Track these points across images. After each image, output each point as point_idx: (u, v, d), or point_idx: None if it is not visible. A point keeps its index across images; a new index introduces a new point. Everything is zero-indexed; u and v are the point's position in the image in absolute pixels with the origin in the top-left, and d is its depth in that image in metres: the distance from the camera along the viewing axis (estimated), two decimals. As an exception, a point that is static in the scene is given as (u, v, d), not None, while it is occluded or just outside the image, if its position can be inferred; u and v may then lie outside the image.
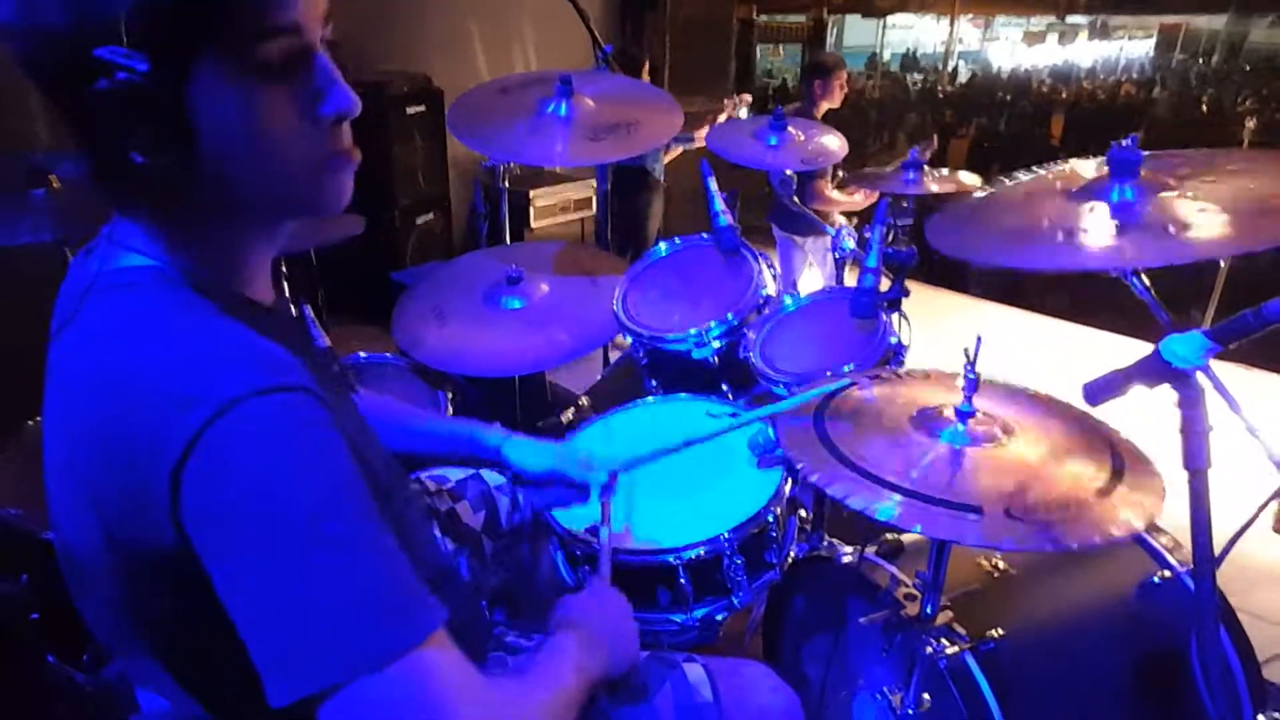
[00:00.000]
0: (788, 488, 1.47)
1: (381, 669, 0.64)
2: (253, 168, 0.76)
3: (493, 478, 1.52)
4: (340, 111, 0.77)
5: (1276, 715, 1.33)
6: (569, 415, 2.32)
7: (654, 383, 2.05)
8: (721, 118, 3.87)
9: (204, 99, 0.71)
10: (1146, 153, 1.21)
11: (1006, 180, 1.41)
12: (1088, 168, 1.32)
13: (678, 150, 4.20)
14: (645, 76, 4.09)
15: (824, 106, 3.87)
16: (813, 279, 4.01)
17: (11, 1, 0.69)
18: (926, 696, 1.31)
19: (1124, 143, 1.22)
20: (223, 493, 0.67)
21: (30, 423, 1.92)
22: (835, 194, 3.77)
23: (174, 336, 0.73)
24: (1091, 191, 1.22)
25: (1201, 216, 1.10)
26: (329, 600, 0.66)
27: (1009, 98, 12.83)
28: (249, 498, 0.66)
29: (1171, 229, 1.09)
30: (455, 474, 1.50)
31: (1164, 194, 1.17)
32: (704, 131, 3.95)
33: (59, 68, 0.70)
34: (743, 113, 3.88)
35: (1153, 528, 1.46)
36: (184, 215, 0.79)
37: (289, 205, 0.83)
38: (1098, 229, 1.15)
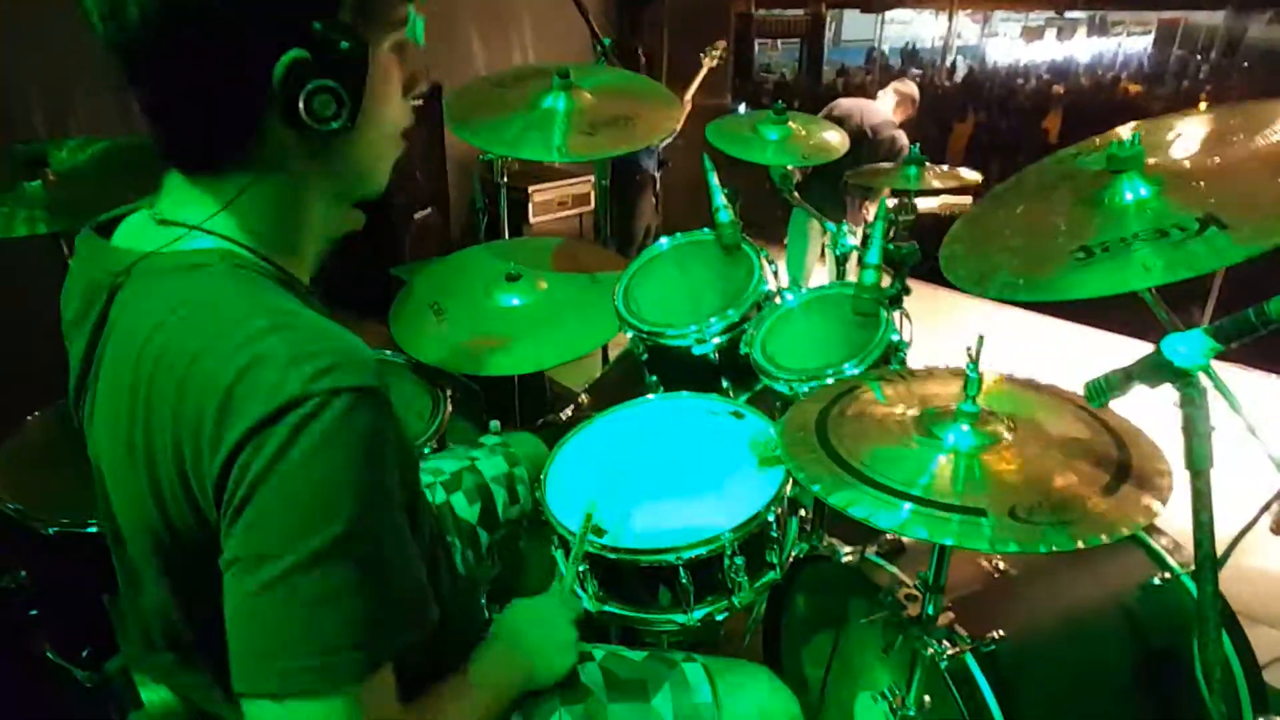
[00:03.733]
0: (789, 487, 1.47)
1: (320, 697, 0.70)
2: (362, 136, 0.82)
3: (488, 470, 1.51)
4: (424, 93, 0.89)
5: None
6: (568, 413, 2.32)
7: (654, 379, 2.05)
8: (699, 76, 3.99)
9: (371, 70, 0.80)
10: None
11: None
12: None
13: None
14: (640, 64, 4.11)
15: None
16: (823, 274, 4.01)
17: None
18: (927, 697, 1.31)
19: (1125, 140, 1.21)
20: (271, 483, 0.69)
21: (30, 418, 1.91)
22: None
23: (253, 318, 0.74)
24: (1097, 197, 1.19)
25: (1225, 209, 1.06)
26: (319, 617, 0.70)
27: (1007, 93, 12.82)
28: (293, 498, 0.69)
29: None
30: (450, 465, 1.49)
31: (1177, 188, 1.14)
32: (687, 97, 4.02)
33: (253, 40, 0.73)
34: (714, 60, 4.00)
35: (1153, 529, 1.46)
36: (275, 193, 0.83)
37: (361, 181, 0.89)
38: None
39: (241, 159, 0.80)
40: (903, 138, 4.04)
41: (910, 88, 4.28)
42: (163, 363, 0.74)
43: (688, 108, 4.07)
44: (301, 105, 0.74)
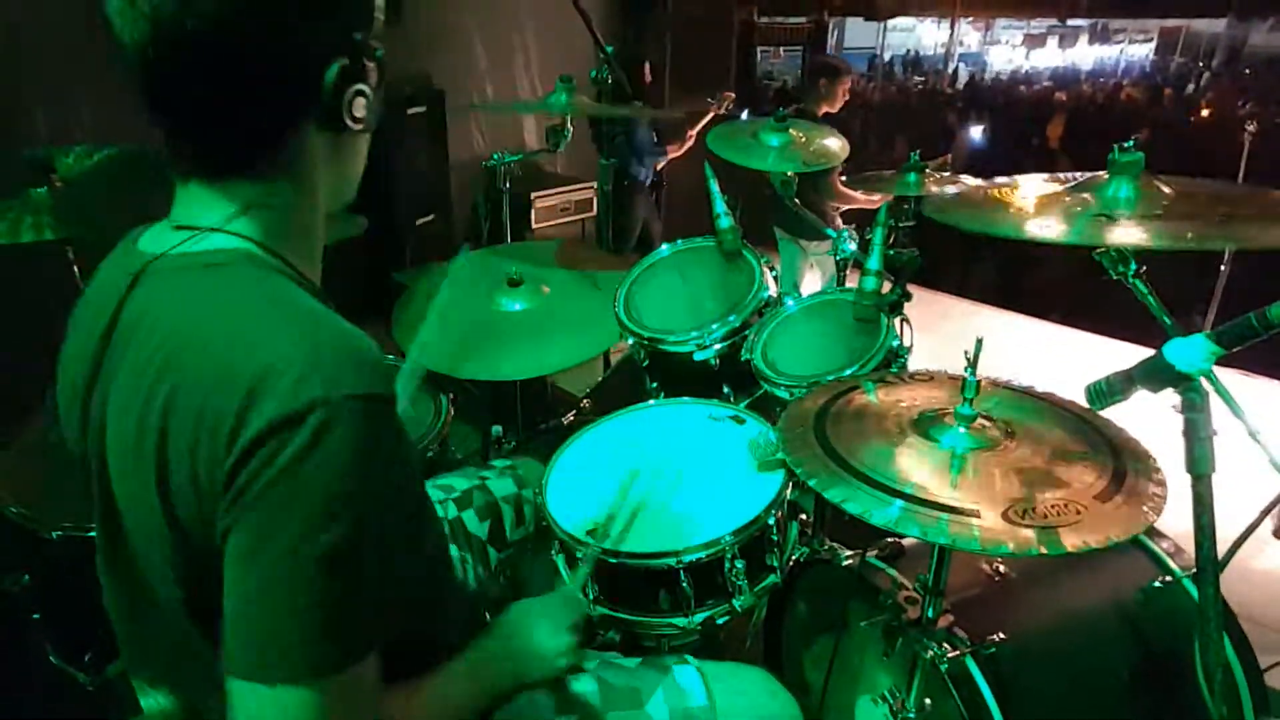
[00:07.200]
0: (789, 491, 1.47)
1: (304, 684, 0.71)
2: (364, 138, 0.90)
3: (498, 489, 1.52)
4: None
5: (1278, 722, 1.34)
6: (570, 418, 2.33)
7: (654, 385, 2.05)
8: (706, 119, 3.96)
9: None
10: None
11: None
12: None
13: (666, 158, 4.21)
14: (647, 77, 4.11)
15: (824, 108, 3.86)
16: (814, 281, 4.01)
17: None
18: (928, 700, 1.30)
19: (1125, 146, 1.22)
20: (285, 486, 0.69)
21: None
22: (852, 191, 3.74)
23: (274, 316, 0.76)
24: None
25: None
26: (316, 614, 0.71)
27: (1009, 100, 12.82)
28: (305, 501, 0.70)
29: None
30: (461, 483, 1.50)
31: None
32: (691, 134, 4.04)
33: (312, 48, 0.78)
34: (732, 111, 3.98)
35: (1154, 532, 1.46)
36: (293, 195, 0.85)
37: (351, 184, 0.94)
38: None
39: (272, 160, 0.83)
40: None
41: (838, 67, 4.15)
42: (184, 360, 0.75)
43: (690, 143, 4.10)
44: (346, 110, 0.81)
